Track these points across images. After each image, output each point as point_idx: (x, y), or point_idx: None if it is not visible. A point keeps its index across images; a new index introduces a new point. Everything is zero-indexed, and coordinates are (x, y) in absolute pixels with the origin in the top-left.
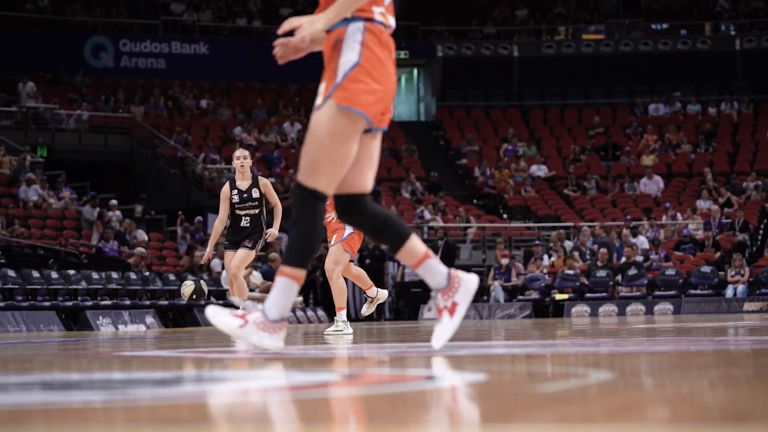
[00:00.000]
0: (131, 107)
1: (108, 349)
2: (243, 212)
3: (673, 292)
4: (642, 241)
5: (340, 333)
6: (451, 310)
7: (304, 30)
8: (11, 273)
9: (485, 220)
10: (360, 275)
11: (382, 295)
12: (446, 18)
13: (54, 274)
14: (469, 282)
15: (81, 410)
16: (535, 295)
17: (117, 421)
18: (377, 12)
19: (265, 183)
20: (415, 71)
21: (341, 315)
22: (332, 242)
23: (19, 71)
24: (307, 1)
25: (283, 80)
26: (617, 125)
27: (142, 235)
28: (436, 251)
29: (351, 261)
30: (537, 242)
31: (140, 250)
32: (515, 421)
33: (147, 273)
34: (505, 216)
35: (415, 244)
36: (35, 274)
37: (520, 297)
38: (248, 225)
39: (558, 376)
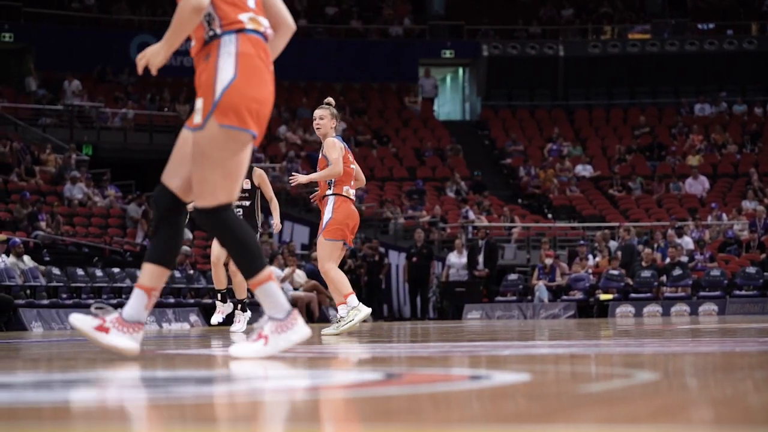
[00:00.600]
0: (176, 106)
1: (152, 347)
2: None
3: (717, 293)
4: (687, 242)
5: (352, 322)
6: (266, 341)
7: (151, 64)
8: (56, 271)
9: (530, 220)
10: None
11: (363, 313)
12: (492, 17)
13: (98, 272)
14: (302, 332)
15: (123, 408)
16: (579, 295)
17: (159, 418)
18: (246, 19)
19: (260, 174)
20: (461, 70)
21: (351, 300)
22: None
23: (64, 69)
24: (353, 0)
25: (327, 79)
26: (663, 125)
27: (186, 233)
28: (477, 251)
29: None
30: (582, 242)
31: (184, 248)
32: (558, 421)
33: (191, 271)
34: (549, 216)
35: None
36: (80, 272)
37: (565, 297)
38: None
39: (602, 377)
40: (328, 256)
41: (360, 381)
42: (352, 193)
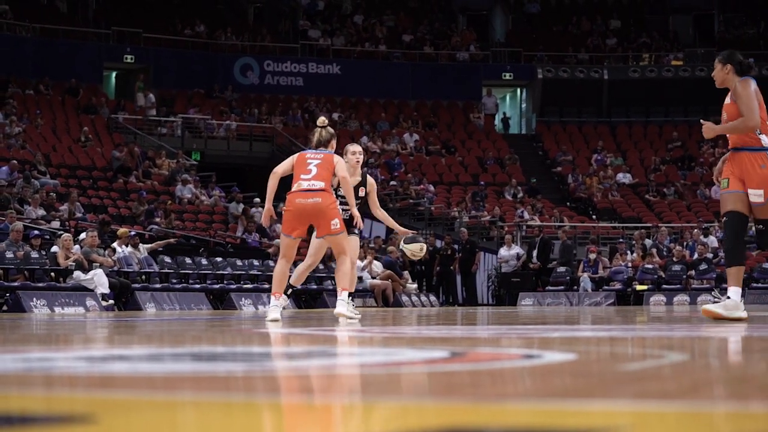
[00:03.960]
0: (272, 119)
1: (249, 327)
2: (342, 207)
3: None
4: (712, 241)
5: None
6: None
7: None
8: (167, 260)
9: (576, 221)
10: (284, 275)
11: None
12: (546, 45)
13: (204, 261)
14: None
15: (225, 378)
16: (618, 286)
17: (256, 389)
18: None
19: (372, 183)
20: (518, 90)
21: (345, 295)
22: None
23: (178, 87)
24: (426, 29)
25: (403, 97)
26: (693, 140)
27: (280, 228)
28: (533, 247)
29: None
30: (621, 240)
31: (279, 241)
32: (599, 396)
33: None
34: (593, 217)
35: None
36: (188, 260)
37: (606, 287)
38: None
39: (637, 357)
40: (352, 248)
41: (429, 358)
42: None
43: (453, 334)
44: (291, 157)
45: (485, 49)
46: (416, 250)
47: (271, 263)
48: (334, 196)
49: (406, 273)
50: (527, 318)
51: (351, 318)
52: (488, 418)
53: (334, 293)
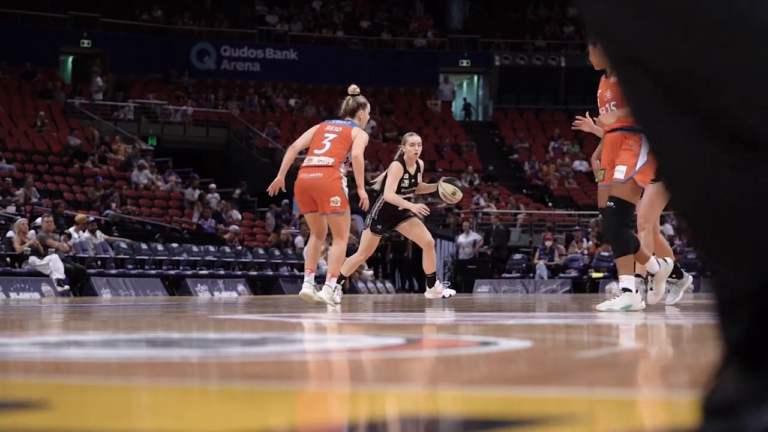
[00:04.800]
0: (229, 104)
1: (204, 313)
2: (404, 197)
3: (693, 274)
4: (667, 229)
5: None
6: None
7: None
8: (123, 245)
9: (533, 208)
10: (314, 251)
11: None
12: (503, 32)
13: (160, 247)
14: None
15: (180, 364)
16: (574, 273)
17: (211, 375)
18: None
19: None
20: (476, 77)
21: (333, 282)
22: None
23: (134, 71)
24: (383, 15)
25: (360, 83)
26: None
27: (236, 214)
28: (490, 234)
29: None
30: (577, 227)
31: (234, 227)
32: (555, 383)
33: (239, 247)
34: (550, 204)
35: None
36: (144, 246)
37: (562, 275)
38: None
39: (593, 345)
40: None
41: (384, 345)
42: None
43: (408, 320)
44: (312, 127)
45: (443, 36)
46: (449, 192)
47: (227, 249)
48: (341, 172)
49: None
50: (483, 305)
51: (325, 303)
52: (444, 405)
53: (289, 279)
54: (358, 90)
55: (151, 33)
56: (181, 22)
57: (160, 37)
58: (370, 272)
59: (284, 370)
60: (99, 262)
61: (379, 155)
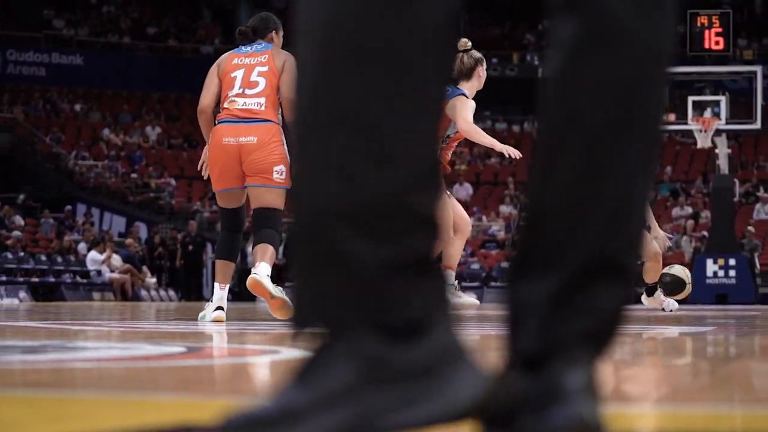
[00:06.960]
0: (14, 109)
1: None
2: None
3: (476, 284)
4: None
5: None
6: None
7: None
8: None
9: None
10: None
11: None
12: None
13: None
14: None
15: None
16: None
17: None
18: None
19: None
20: None
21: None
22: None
23: None
24: (170, 22)
25: (146, 89)
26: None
27: (19, 220)
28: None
29: None
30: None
31: (16, 233)
32: None
33: (22, 254)
34: None
35: None
36: None
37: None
38: None
39: None
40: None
41: (165, 353)
42: None
43: (191, 329)
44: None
45: (230, 43)
46: None
47: (9, 255)
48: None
49: (145, 267)
50: (266, 313)
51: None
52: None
53: (72, 287)
54: (469, 43)
55: None
56: None
57: None
58: (153, 280)
59: (60, 378)
60: None
61: (164, 162)
